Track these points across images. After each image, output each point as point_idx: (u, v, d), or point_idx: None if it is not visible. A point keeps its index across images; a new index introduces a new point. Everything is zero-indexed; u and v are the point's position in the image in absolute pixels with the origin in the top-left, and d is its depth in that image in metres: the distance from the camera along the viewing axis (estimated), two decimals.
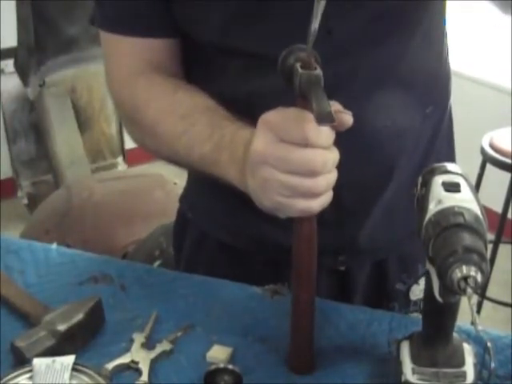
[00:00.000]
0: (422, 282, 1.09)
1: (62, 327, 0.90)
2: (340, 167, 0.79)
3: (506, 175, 2.63)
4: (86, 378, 0.83)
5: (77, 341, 0.91)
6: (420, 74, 1.00)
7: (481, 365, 0.82)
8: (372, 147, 0.98)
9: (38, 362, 0.84)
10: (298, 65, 0.77)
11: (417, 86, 1.00)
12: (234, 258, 1.10)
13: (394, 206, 1.04)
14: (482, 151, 2.67)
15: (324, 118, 0.71)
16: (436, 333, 0.81)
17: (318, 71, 0.76)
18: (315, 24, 0.73)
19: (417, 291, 1.11)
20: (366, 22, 0.92)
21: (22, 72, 3.16)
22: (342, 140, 0.78)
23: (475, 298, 2.60)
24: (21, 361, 0.87)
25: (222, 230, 1.10)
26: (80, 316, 0.92)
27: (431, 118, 1.05)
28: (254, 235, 1.06)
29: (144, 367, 0.88)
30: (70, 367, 0.83)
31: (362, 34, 0.92)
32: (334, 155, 0.77)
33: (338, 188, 0.80)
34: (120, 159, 3.70)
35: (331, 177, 0.78)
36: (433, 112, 1.04)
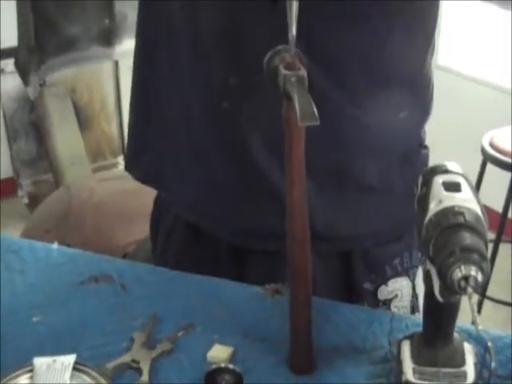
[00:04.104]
0: (391, 283, 1.10)
1: None
2: None
3: (506, 174, 2.63)
4: (86, 378, 0.83)
5: None
6: (396, 74, 1.00)
7: (481, 364, 0.82)
8: (329, 132, 0.96)
9: (38, 361, 0.84)
10: (281, 66, 0.78)
11: (392, 84, 1.00)
12: (202, 242, 1.11)
13: (356, 201, 1.04)
14: (483, 150, 2.67)
15: (307, 118, 0.72)
16: (436, 332, 0.81)
17: (302, 72, 0.77)
18: (292, 26, 0.74)
19: (385, 292, 1.10)
20: (339, 5, 0.92)
21: (23, 71, 3.16)
22: None
23: (476, 298, 2.60)
24: None
25: (188, 210, 1.11)
26: None
27: (405, 125, 1.04)
28: (219, 218, 1.07)
29: (145, 367, 0.88)
30: (71, 367, 0.83)
31: (334, 16, 0.92)
32: None
33: None
34: (120, 159, 3.70)
35: None
36: (407, 119, 1.04)
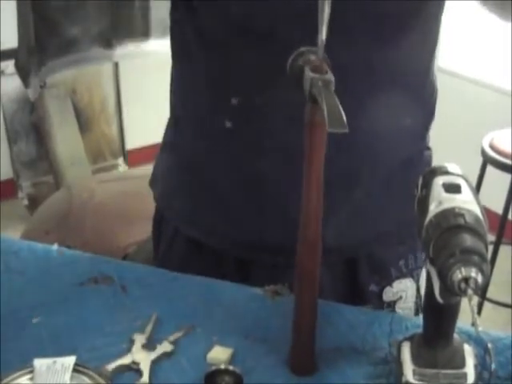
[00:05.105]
0: (396, 285, 1.10)
1: None
2: None
3: (506, 176, 2.63)
4: (86, 379, 0.84)
5: None
6: (402, 79, 1.00)
7: (481, 366, 0.82)
8: (335, 138, 0.97)
9: (38, 362, 0.84)
10: (307, 68, 0.76)
11: (397, 89, 1.00)
12: (204, 254, 1.11)
13: (362, 207, 1.04)
14: (483, 152, 2.67)
15: (336, 125, 0.70)
16: (436, 334, 0.81)
17: (330, 75, 0.75)
18: (323, 28, 0.72)
19: (390, 293, 1.10)
20: (356, 5, 0.91)
21: (23, 73, 3.16)
22: None
23: (476, 299, 2.60)
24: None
25: (190, 225, 1.11)
26: None
27: (410, 130, 1.04)
28: (221, 232, 1.07)
29: (145, 368, 0.88)
30: (71, 368, 0.84)
31: (342, 22, 0.92)
32: None
33: None
34: (120, 160, 3.70)
35: None
36: (412, 127, 1.04)
